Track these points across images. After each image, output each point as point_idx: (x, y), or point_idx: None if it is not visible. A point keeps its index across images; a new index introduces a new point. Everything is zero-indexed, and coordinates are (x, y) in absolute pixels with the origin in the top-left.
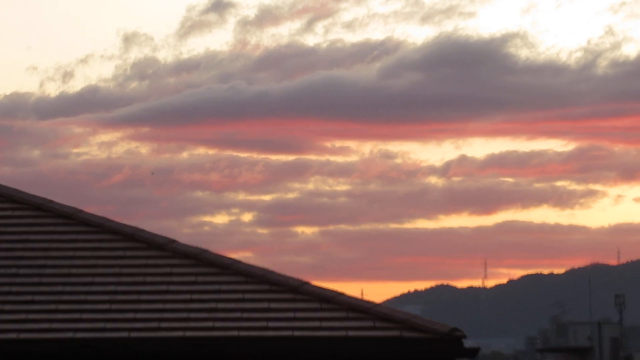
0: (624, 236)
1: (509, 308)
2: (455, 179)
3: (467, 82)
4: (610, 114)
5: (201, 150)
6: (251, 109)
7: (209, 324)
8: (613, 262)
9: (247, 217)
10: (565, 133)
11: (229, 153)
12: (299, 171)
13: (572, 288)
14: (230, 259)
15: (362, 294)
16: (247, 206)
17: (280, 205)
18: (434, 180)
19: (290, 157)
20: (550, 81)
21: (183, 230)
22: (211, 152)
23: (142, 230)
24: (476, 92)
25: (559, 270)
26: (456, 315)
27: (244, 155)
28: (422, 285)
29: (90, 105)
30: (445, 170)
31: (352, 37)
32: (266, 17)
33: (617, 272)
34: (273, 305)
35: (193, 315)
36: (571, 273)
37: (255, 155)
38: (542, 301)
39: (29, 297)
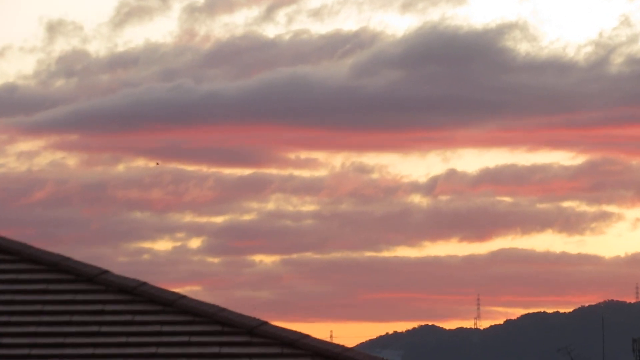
0: None
1: (507, 354)
2: (443, 197)
3: (456, 81)
4: (627, 121)
5: (140, 162)
6: (200, 113)
7: None
8: (630, 299)
9: (194, 243)
10: (574, 143)
11: (174, 166)
12: (257, 188)
13: (581, 330)
14: (174, 293)
15: (331, 336)
16: (195, 230)
17: (235, 228)
18: (417, 199)
19: (247, 171)
20: (555, 81)
21: (118, 259)
22: (152, 164)
23: (69, 259)
24: (467, 94)
25: (565, 309)
26: None
27: (191, 168)
28: (403, 326)
29: (6, 108)
30: (430, 187)
31: (320, 28)
32: (218, 3)
33: (636, 311)
34: (225, 349)
35: None
36: (580, 312)
37: (205, 169)
38: (545, 346)
39: None
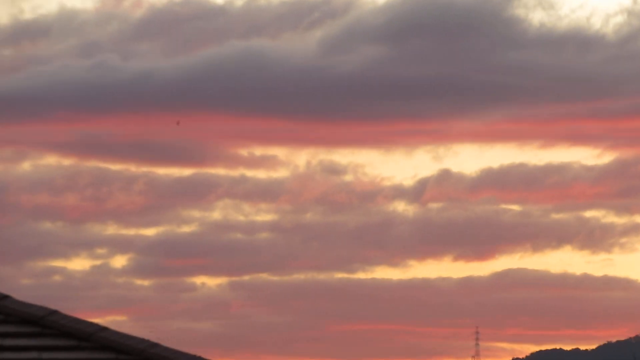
0: None
1: None
2: (434, 205)
3: (451, 60)
4: None
5: (51, 159)
6: (127, 98)
7: None
8: None
9: (119, 261)
10: (599, 138)
11: (93, 164)
12: (200, 192)
13: None
14: (92, 324)
15: None
16: (120, 245)
17: (171, 243)
18: (401, 207)
19: (186, 171)
20: (576, 59)
21: (21, 281)
22: (66, 161)
23: None
24: (465, 76)
25: (588, 346)
26: None
27: (115, 167)
28: None
29: None
30: (418, 192)
31: None
32: None
33: None
34: None
35: None
36: (606, 349)
37: (134, 168)
38: None
39: None
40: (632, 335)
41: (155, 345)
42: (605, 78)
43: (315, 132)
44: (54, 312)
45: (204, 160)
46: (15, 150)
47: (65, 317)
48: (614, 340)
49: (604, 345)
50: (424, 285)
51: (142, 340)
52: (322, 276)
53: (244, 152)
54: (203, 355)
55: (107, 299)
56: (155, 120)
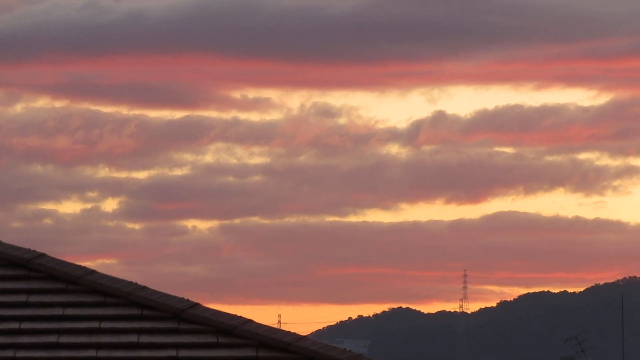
0: None
1: (500, 345)
2: (427, 148)
3: (445, 1)
4: None
5: (42, 102)
6: (119, 39)
7: None
8: None
9: (110, 204)
10: (595, 79)
11: (84, 106)
12: (192, 135)
13: (595, 315)
14: (80, 267)
15: (279, 322)
16: (111, 188)
17: (162, 187)
18: (395, 150)
19: (178, 114)
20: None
21: (11, 224)
22: (57, 104)
23: None
24: (460, 17)
25: (576, 288)
26: (421, 353)
27: (107, 109)
28: (370, 309)
29: None
30: (412, 135)
31: None
32: None
33: None
34: (145, 338)
35: (22, 354)
36: (594, 292)
37: (125, 111)
38: (550, 335)
39: None
40: (621, 277)
41: (143, 288)
42: (601, 18)
43: (308, 74)
44: (42, 255)
45: (197, 103)
46: (4, 92)
47: (53, 260)
48: (602, 282)
49: (592, 287)
50: (415, 229)
51: (130, 283)
52: (313, 220)
53: (236, 94)
54: (192, 299)
55: (98, 242)
56: (147, 62)
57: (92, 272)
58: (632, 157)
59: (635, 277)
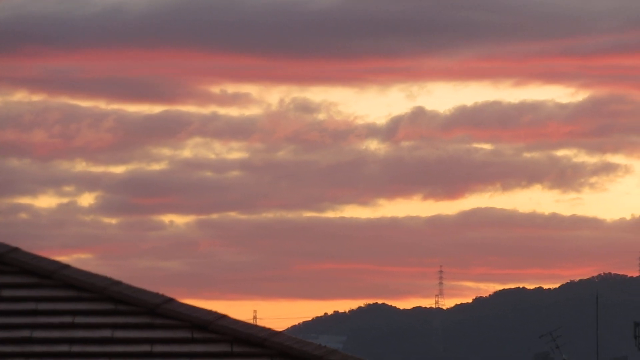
0: None
1: (475, 341)
2: (406, 144)
3: None
4: None
5: (19, 95)
6: (97, 33)
7: None
8: (633, 272)
9: (86, 199)
10: (573, 76)
11: (62, 100)
12: (169, 130)
13: (570, 311)
14: (54, 262)
15: (255, 317)
16: (88, 182)
17: (139, 181)
18: (373, 145)
19: (157, 109)
20: None
21: None
22: (35, 98)
23: None
24: (439, 13)
25: (551, 285)
26: (396, 350)
27: (85, 104)
28: (346, 305)
29: None
30: (391, 131)
31: None
32: None
33: (638, 287)
34: (119, 333)
35: None
36: (569, 288)
37: (103, 105)
38: (524, 330)
39: None
40: (596, 274)
41: (118, 283)
42: (580, 16)
43: (288, 69)
44: (15, 249)
45: (175, 98)
46: None
47: (26, 254)
48: (577, 279)
49: (567, 284)
50: (392, 225)
51: (105, 278)
52: (290, 215)
53: (216, 89)
54: (169, 294)
55: (74, 237)
56: (126, 56)
57: (66, 266)
58: (610, 154)
59: (610, 273)
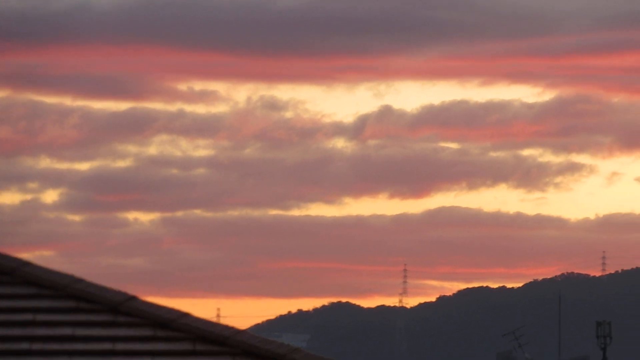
0: (616, 234)
1: (438, 339)
2: (373, 142)
3: None
4: (607, 48)
5: None
6: (63, 29)
7: None
8: (595, 271)
9: (50, 195)
10: (539, 75)
11: (26, 96)
12: (135, 127)
13: (533, 310)
14: (14, 259)
15: (218, 315)
16: (52, 179)
17: (104, 178)
18: (340, 144)
19: (123, 105)
20: None
21: None
22: (1, 93)
23: None
24: (407, 12)
25: (514, 284)
26: (360, 348)
27: (50, 100)
28: (310, 303)
29: None
30: (358, 129)
31: None
32: None
33: (601, 287)
34: (80, 331)
35: None
36: (532, 288)
37: (68, 101)
38: (487, 329)
39: None
40: (559, 273)
41: (80, 280)
42: (546, 15)
43: (256, 67)
44: None
45: (142, 94)
46: None
47: None
48: (540, 278)
49: (530, 283)
50: (358, 223)
51: (66, 276)
52: (256, 213)
53: (182, 86)
54: (132, 292)
55: (37, 234)
56: (92, 53)
57: (27, 263)
58: (575, 154)
59: (573, 273)
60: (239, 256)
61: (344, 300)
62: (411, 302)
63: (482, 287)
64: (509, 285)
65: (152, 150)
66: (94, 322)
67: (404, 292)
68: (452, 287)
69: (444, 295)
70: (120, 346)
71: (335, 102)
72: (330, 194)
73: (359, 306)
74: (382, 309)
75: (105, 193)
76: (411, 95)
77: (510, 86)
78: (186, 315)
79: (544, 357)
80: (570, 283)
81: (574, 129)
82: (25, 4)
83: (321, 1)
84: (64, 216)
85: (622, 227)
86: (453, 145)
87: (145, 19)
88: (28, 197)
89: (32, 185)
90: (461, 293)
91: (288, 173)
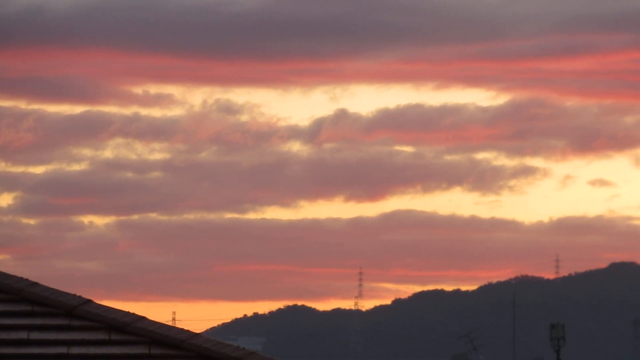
0: (570, 237)
1: (394, 342)
2: (328, 146)
3: None
4: (561, 52)
5: None
6: (16, 32)
7: None
8: (549, 274)
9: (4, 199)
10: (494, 79)
11: None
12: (91, 130)
13: (487, 313)
14: None
15: (174, 318)
16: (7, 183)
17: (59, 182)
18: (296, 147)
19: (78, 109)
20: (471, 0)
21: None
22: None
23: None
24: (362, 16)
25: (469, 287)
26: (316, 351)
27: (4, 103)
28: (266, 306)
29: None
30: (314, 133)
31: None
32: None
33: (555, 289)
34: (35, 335)
35: None
36: (487, 291)
37: (23, 105)
38: (443, 332)
39: None
40: (513, 277)
41: (34, 284)
42: (500, 19)
43: (211, 70)
44: None
45: (97, 98)
46: None
47: None
48: (494, 281)
49: (485, 286)
50: (314, 226)
51: (21, 279)
52: (212, 216)
53: (137, 90)
54: (87, 295)
55: None
56: (47, 56)
57: None
58: (529, 158)
59: (527, 275)
60: (195, 259)
61: (299, 303)
62: (367, 305)
63: (437, 290)
64: (463, 288)
65: (108, 153)
66: (49, 325)
67: (360, 295)
68: (408, 290)
69: (400, 298)
70: (75, 350)
71: (290, 106)
72: (286, 198)
73: (314, 309)
74: (337, 312)
75: (61, 196)
76: (366, 98)
77: (465, 90)
78: (141, 318)
79: (499, 359)
80: (524, 286)
81: (528, 132)
82: None
83: (277, 5)
84: (19, 220)
85: (576, 230)
86: (408, 149)
87: (100, 23)
88: None
89: None
90: (416, 296)
91: (244, 176)
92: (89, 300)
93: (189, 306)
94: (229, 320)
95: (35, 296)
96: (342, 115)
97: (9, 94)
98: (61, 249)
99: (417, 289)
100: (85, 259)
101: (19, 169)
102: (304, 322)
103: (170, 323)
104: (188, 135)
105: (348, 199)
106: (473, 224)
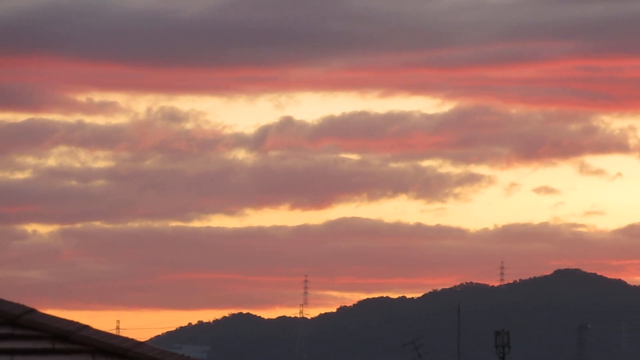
0: (514, 244)
1: (339, 349)
2: (274, 153)
3: (293, 7)
4: (506, 60)
5: None
6: None
7: None
8: (494, 281)
9: None
10: (439, 87)
11: None
12: (34, 138)
13: (432, 320)
14: None
15: (118, 327)
16: None
17: (2, 190)
18: (241, 155)
19: (21, 117)
20: (416, 8)
21: None
22: None
23: None
24: (307, 23)
25: (414, 294)
26: (261, 359)
27: None
28: (211, 314)
29: None
30: (259, 140)
31: None
32: None
33: (498, 296)
34: None
35: None
36: (431, 298)
37: None
38: (388, 339)
39: None
40: (458, 283)
41: None
42: (445, 27)
43: (156, 78)
44: None
45: (40, 106)
46: None
47: None
48: (439, 288)
49: (430, 293)
50: (259, 234)
51: None
52: (156, 225)
53: (81, 97)
54: (31, 304)
55: None
56: None
57: None
58: (474, 165)
59: (472, 283)
60: (139, 268)
61: (244, 311)
62: (312, 312)
63: (382, 297)
64: (408, 296)
65: (51, 161)
66: None
67: (305, 303)
68: (353, 297)
69: (345, 306)
70: (18, 359)
71: (236, 113)
72: (231, 205)
73: (259, 317)
74: (282, 319)
75: (3, 205)
76: (312, 106)
77: (410, 97)
78: (85, 327)
79: None
80: (469, 293)
81: (473, 140)
82: None
83: (221, 12)
84: None
85: (520, 237)
86: (353, 157)
87: (43, 30)
88: None
89: None
90: (362, 303)
91: (189, 184)
92: (33, 309)
93: (134, 315)
94: (173, 329)
95: None
96: (287, 123)
97: None
98: (4, 257)
99: (363, 296)
100: (29, 267)
101: None
102: (249, 330)
103: (114, 332)
104: (132, 143)
105: (293, 206)
106: (418, 231)
